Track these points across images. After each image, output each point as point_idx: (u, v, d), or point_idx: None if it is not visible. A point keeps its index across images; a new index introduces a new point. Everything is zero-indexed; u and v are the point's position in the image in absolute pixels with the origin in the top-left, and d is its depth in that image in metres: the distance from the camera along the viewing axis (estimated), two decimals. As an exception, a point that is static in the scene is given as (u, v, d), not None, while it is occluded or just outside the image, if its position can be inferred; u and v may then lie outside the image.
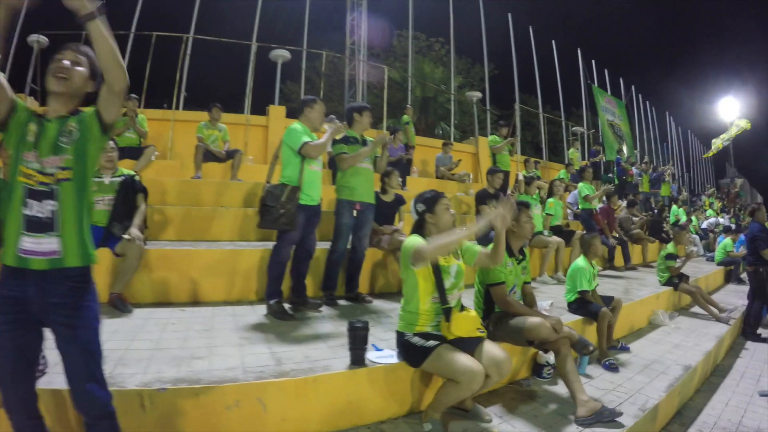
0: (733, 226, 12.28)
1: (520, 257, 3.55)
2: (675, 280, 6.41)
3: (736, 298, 7.70)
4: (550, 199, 7.35)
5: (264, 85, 13.97)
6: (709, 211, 16.43)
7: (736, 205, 19.80)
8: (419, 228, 2.89)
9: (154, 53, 11.30)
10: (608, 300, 4.50)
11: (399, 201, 5.72)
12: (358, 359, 2.69)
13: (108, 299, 3.70)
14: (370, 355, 2.80)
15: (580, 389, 2.97)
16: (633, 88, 25.52)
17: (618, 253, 8.51)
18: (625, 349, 4.45)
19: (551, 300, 4.32)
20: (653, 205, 12.72)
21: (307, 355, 2.84)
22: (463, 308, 2.84)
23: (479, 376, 2.45)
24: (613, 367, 3.88)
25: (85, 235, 1.83)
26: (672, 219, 12.85)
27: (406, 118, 10.96)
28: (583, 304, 4.30)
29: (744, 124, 21.19)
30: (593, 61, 20.87)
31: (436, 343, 2.61)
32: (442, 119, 20.03)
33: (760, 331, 6.33)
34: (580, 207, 8.30)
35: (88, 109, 1.86)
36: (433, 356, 2.57)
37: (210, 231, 5.56)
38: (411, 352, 2.68)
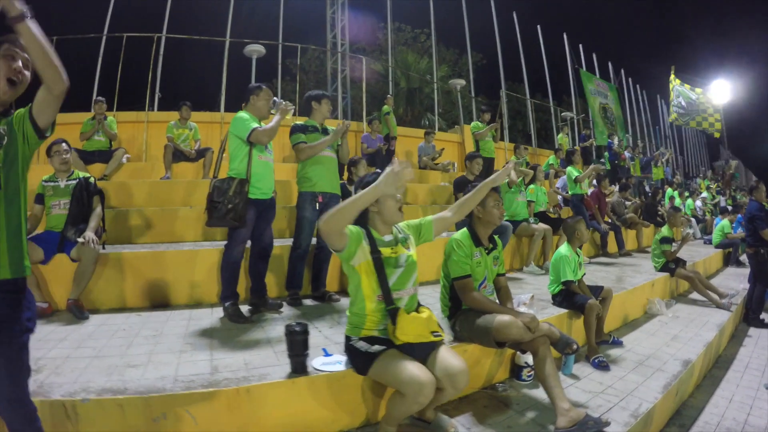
0: (730, 207, 11.87)
1: (490, 246, 3.13)
2: (671, 265, 5.98)
3: (736, 281, 7.30)
4: (531, 186, 6.95)
5: (242, 83, 13.58)
6: (705, 193, 16.04)
7: (731, 187, 19.42)
8: (361, 218, 2.40)
9: (129, 55, 10.95)
10: (597, 290, 4.09)
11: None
12: (298, 367, 2.41)
13: (66, 306, 3.61)
14: (316, 361, 2.52)
15: (561, 395, 2.56)
16: (623, 71, 25.12)
17: (611, 238, 8.15)
18: (618, 344, 4.03)
19: (531, 293, 3.89)
20: (647, 189, 12.31)
21: (248, 362, 2.57)
22: (418, 307, 2.46)
23: (426, 388, 2.06)
24: (603, 365, 3.46)
25: (19, 245, 1.70)
26: (666, 202, 12.47)
27: (386, 108, 10.53)
28: (568, 296, 3.87)
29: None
30: (580, 46, 20.41)
31: (382, 348, 2.26)
32: (429, 110, 19.61)
33: (763, 316, 5.92)
34: (569, 192, 7.88)
35: (20, 111, 1.73)
36: (378, 363, 2.23)
37: (175, 232, 5.37)
38: (356, 357, 2.34)
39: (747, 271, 6.33)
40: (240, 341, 3.03)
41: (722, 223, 9.75)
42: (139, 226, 5.30)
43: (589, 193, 8.03)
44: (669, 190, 13.46)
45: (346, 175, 6.22)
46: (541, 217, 6.84)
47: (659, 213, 10.06)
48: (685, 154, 34.11)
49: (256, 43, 12.15)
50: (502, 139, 14.35)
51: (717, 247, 9.59)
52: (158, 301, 4.04)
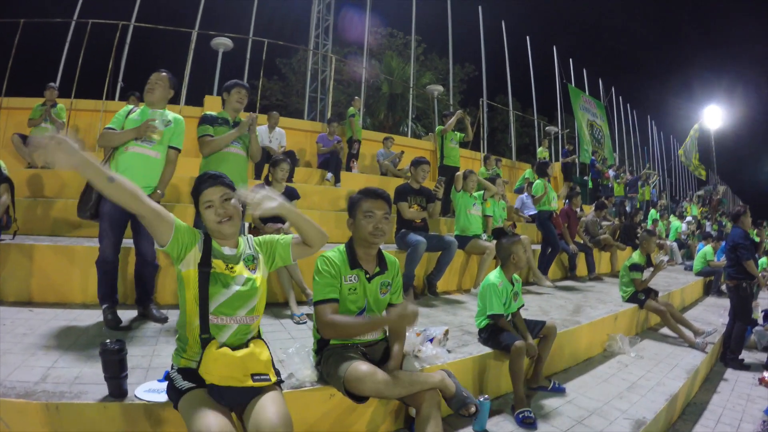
0: (714, 233, 11.17)
1: (376, 270, 2.39)
2: (641, 296, 5.20)
3: (715, 314, 6.55)
4: (488, 199, 6.21)
5: (209, 76, 13.01)
6: (689, 217, 15.41)
7: (717, 212, 18.81)
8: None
9: (96, 42, 10.57)
10: (537, 326, 3.32)
11: (289, 195, 4.63)
12: (114, 390, 2.07)
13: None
14: (143, 386, 2.15)
15: None
16: (613, 89, 24.60)
17: (581, 261, 7.42)
18: (559, 391, 3.25)
19: (446, 326, 3.11)
20: (628, 209, 11.60)
21: (79, 376, 2.29)
22: (250, 341, 1.95)
23: None
24: (527, 422, 2.69)
25: None
26: (649, 223, 11.78)
27: (352, 110, 9.95)
28: (495, 333, 3.10)
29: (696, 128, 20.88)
30: (570, 60, 19.85)
31: (191, 386, 1.82)
32: (413, 117, 18.96)
33: (743, 355, 5.18)
34: (537, 208, 7.14)
35: None
36: (181, 403, 1.80)
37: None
38: (169, 389, 1.94)
39: (728, 302, 5.57)
40: (92, 351, 2.64)
41: (705, 249, 9.03)
42: (63, 218, 5.02)
43: (558, 211, 7.30)
44: (652, 212, 12.78)
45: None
46: (498, 233, 6.09)
47: (639, 235, 9.35)
48: (673, 177, 33.72)
49: (222, 35, 11.61)
50: (478, 149, 13.70)
51: (698, 274, 8.84)
52: (60, 297, 3.79)
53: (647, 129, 30.60)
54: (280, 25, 17.27)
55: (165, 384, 2.10)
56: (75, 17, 12.50)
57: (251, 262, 2.02)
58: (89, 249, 3.82)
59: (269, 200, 1.92)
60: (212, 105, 9.73)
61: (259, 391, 1.83)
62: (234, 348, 1.86)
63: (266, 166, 4.83)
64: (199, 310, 1.87)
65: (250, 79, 13.53)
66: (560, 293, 5.83)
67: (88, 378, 2.26)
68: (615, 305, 5.12)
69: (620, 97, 26.15)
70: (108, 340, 2.08)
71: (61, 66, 12.15)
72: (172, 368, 1.97)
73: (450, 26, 16.67)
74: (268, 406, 1.75)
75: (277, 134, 8.13)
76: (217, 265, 1.92)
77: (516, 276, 3.39)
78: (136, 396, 2.08)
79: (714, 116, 28.69)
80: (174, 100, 10.06)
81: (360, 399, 2.10)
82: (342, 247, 2.38)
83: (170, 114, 3.54)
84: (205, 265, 1.89)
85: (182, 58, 11.62)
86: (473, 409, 2.21)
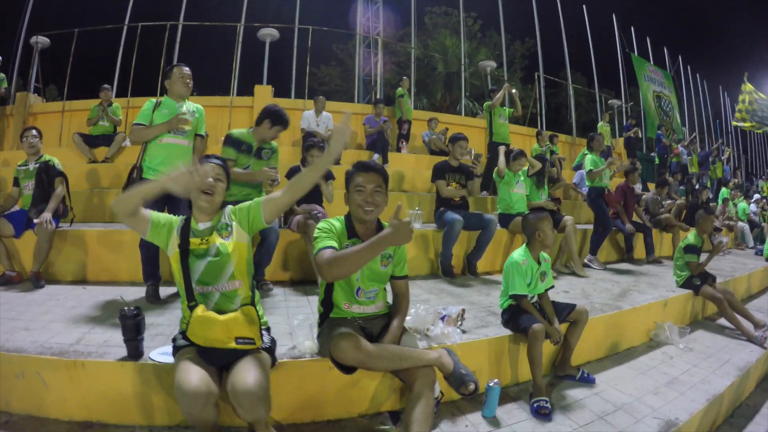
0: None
1: None
2: (696, 281, 4.78)
3: (785, 305, 5.98)
4: (522, 178, 5.93)
5: (257, 67, 13.32)
6: (757, 195, 14.22)
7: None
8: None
9: (148, 43, 11.19)
10: (566, 309, 3.13)
11: (327, 176, 4.62)
12: (131, 351, 2.35)
13: (29, 276, 4.02)
14: (157, 350, 2.39)
15: None
16: (680, 58, 22.87)
17: (639, 242, 6.97)
18: (588, 381, 3.06)
19: (462, 306, 3.00)
20: (695, 187, 10.79)
21: (108, 340, 2.61)
22: (243, 306, 2.10)
23: (195, 398, 1.78)
24: (542, 413, 2.54)
25: None
26: (719, 203, 10.94)
27: (400, 90, 9.85)
28: (516, 315, 2.95)
29: None
30: (632, 29, 18.60)
31: (185, 343, 2.05)
32: (467, 95, 18.51)
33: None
34: (588, 184, 6.76)
35: None
36: (176, 357, 2.05)
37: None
38: (173, 349, 2.15)
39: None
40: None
41: (777, 232, 8.27)
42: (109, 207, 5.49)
43: (613, 187, 6.88)
44: (723, 190, 11.83)
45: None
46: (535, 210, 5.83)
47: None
48: (749, 153, 31.15)
49: (268, 26, 11.85)
50: (534, 125, 13.19)
51: (768, 259, 8.12)
52: (111, 276, 4.22)
53: (719, 101, 28.34)
54: (330, 10, 17.35)
55: (173, 347, 2.37)
56: (126, 22, 13.21)
57: (225, 230, 2.18)
58: (135, 233, 3.98)
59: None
60: (262, 94, 10.33)
61: (244, 354, 1.98)
62: (222, 313, 2.02)
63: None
64: (184, 283, 2.08)
65: (300, 66, 13.75)
66: (610, 276, 5.51)
67: (114, 342, 2.53)
68: (667, 290, 4.76)
69: (689, 67, 24.33)
70: (126, 307, 2.33)
71: (117, 68, 12.94)
72: (178, 333, 2.18)
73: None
74: (246, 368, 1.88)
75: (324, 118, 8.23)
76: (193, 242, 2.12)
77: (544, 255, 3.20)
78: (150, 357, 2.32)
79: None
80: (225, 92, 10.48)
81: (346, 369, 2.14)
82: (341, 217, 2.38)
83: (192, 104, 3.81)
84: (184, 243, 2.11)
85: (230, 51, 11.97)
86: (472, 386, 2.15)
